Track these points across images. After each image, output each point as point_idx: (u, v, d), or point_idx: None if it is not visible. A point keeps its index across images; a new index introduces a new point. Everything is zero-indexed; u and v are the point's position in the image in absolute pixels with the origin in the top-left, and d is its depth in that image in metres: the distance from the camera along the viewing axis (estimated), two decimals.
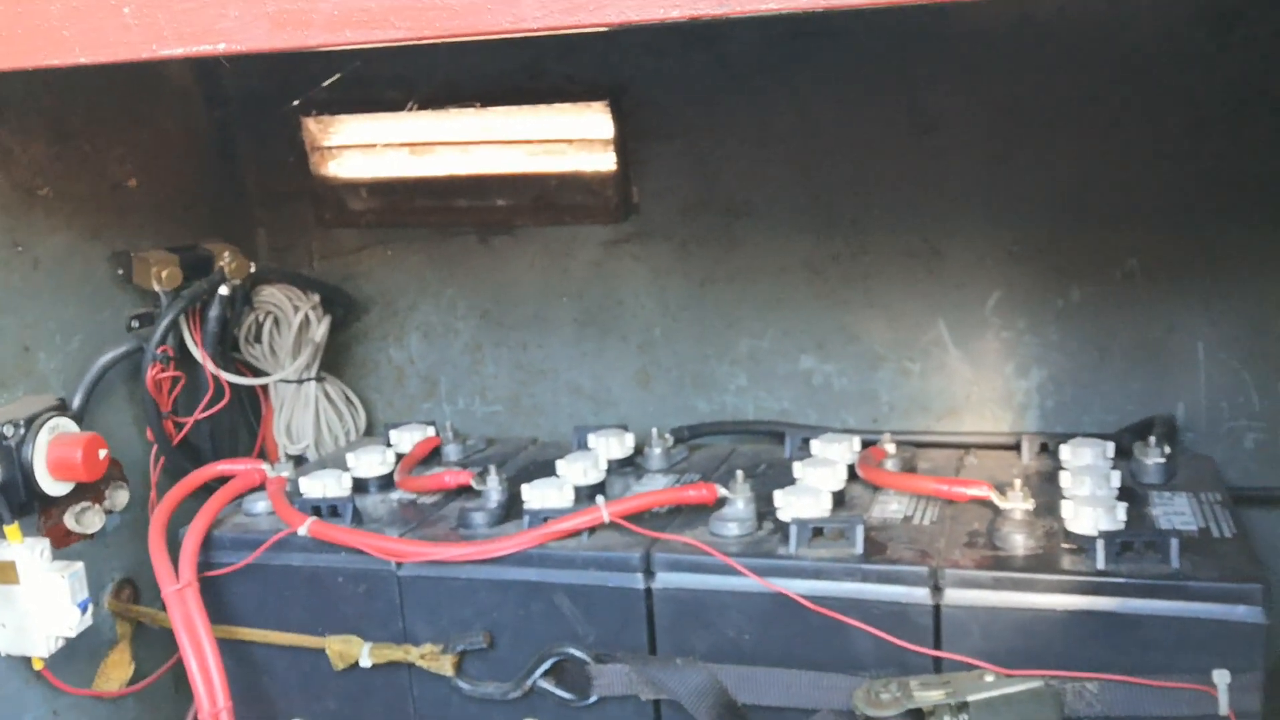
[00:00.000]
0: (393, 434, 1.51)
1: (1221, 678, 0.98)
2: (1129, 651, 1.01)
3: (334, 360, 1.66)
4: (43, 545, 1.21)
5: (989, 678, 1.02)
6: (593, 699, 1.15)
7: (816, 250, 1.49)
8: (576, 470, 1.28)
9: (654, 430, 1.41)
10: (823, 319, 1.51)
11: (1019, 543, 1.09)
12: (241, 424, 1.58)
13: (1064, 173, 1.37)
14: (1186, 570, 1.02)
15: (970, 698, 1.01)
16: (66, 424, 1.25)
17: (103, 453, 1.25)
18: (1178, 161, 1.33)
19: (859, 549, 1.09)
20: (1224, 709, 0.98)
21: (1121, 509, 1.09)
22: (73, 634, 1.22)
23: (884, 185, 1.44)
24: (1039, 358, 1.44)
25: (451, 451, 1.48)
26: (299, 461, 1.55)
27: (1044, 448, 1.37)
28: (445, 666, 1.19)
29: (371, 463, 1.38)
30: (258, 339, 1.54)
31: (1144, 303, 1.38)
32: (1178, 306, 1.37)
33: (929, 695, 1.02)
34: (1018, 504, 1.11)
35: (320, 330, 1.55)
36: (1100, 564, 1.03)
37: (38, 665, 1.24)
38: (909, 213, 1.44)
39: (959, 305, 1.46)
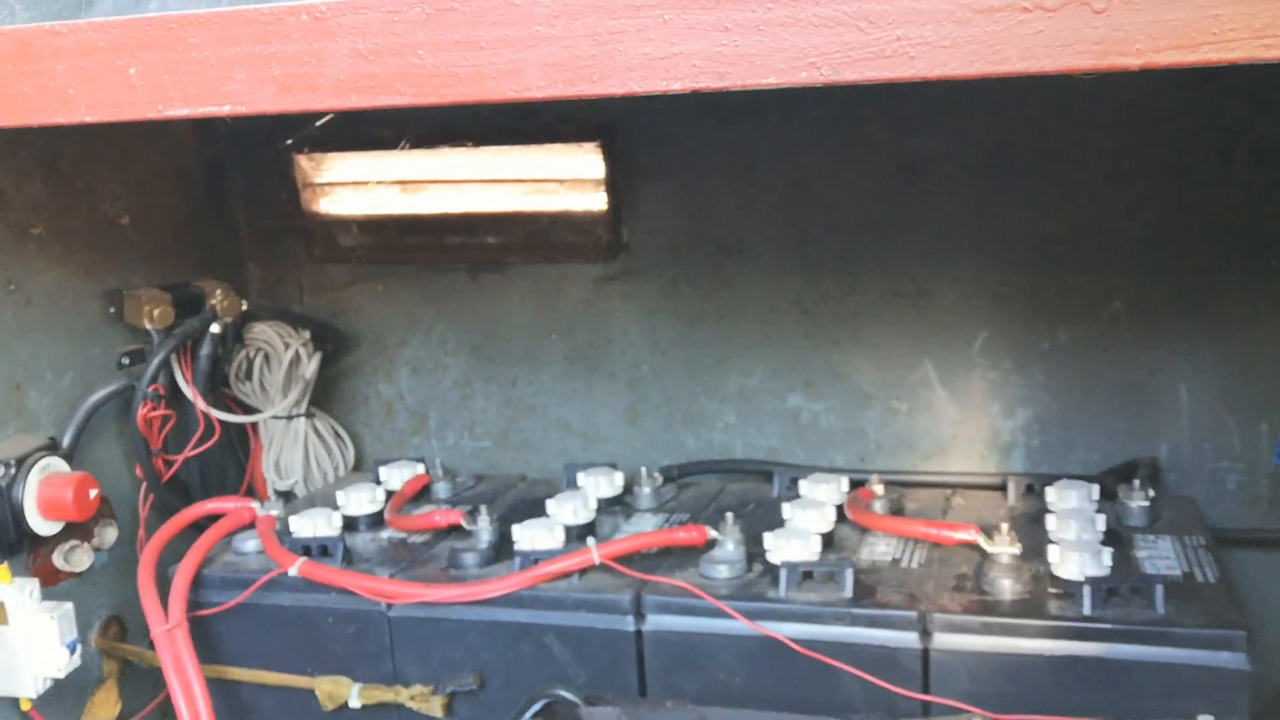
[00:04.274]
0: (382, 471, 1.51)
1: None
2: (1115, 696, 1.02)
3: (323, 395, 1.67)
4: (32, 585, 1.21)
5: None
6: None
7: (805, 290, 1.51)
8: (566, 510, 1.29)
9: (643, 470, 1.42)
10: (811, 358, 1.52)
11: (1006, 587, 1.10)
12: (231, 460, 1.58)
13: (1050, 217, 1.39)
14: (1171, 616, 1.03)
15: None
16: (57, 463, 1.25)
17: (93, 492, 1.24)
18: (1163, 208, 1.35)
19: (848, 593, 1.10)
20: None
21: (1107, 554, 1.11)
22: (61, 675, 1.21)
23: (872, 227, 1.46)
24: (1025, 398, 1.46)
25: (441, 489, 1.49)
26: (288, 497, 1.55)
27: (1029, 489, 1.38)
28: (435, 708, 1.19)
29: (361, 500, 1.38)
30: (248, 376, 1.54)
31: (1128, 345, 1.40)
32: (1161, 349, 1.39)
33: None
34: (1005, 548, 1.13)
35: (311, 367, 1.55)
36: (1087, 610, 1.04)
37: (25, 706, 1.23)
38: (897, 254, 1.46)
39: (946, 346, 1.47)
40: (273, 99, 0.65)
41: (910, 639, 1.07)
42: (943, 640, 1.06)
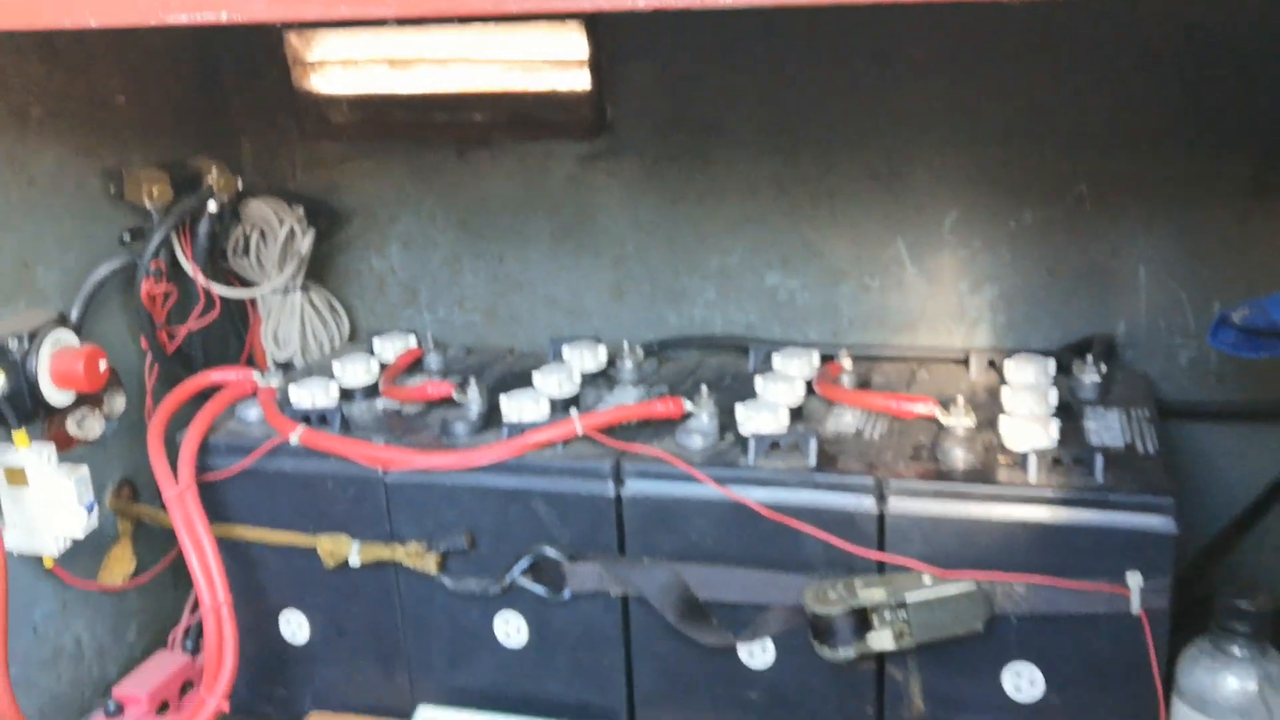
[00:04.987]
0: (376, 343, 1.57)
1: (1135, 580, 1.07)
2: (1054, 557, 1.10)
3: (317, 269, 1.72)
4: (49, 451, 1.28)
5: (927, 579, 1.12)
6: (566, 595, 1.25)
7: (784, 170, 1.55)
8: (551, 383, 1.36)
9: (625, 344, 1.49)
10: (789, 236, 1.58)
11: (959, 457, 1.17)
12: (231, 333, 1.64)
13: (1018, 103, 1.43)
14: (1109, 484, 1.11)
15: (909, 597, 1.11)
16: (68, 336, 1.31)
17: (103, 364, 1.31)
18: (1127, 96, 1.39)
19: (812, 461, 1.18)
20: (1135, 608, 1.08)
21: (1055, 426, 1.18)
22: (81, 535, 1.30)
23: (849, 110, 1.50)
24: (992, 276, 1.52)
25: (433, 361, 1.55)
26: (287, 368, 1.62)
27: (991, 363, 1.45)
28: (429, 565, 1.28)
29: (357, 372, 1.45)
30: (245, 251, 1.59)
31: (1091, 226, 1.45)
32: (1122, 231, 1.45)
33: (872, 594, 1.12)
34: (960, 421, 1.20)
35: (305, 242, 1.60)
36: (1032, 478, 1.12)
37: (48, 564, 1.32)
38: (873, 136, 1.50)
39: (917, 225, 1.52)
40: (265, 9, 0.69)
41: (868, 504, 1.15)
42: (897, 505, 1.14)
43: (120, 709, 1.35)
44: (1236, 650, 1.02)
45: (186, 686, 1.43)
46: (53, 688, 1.39)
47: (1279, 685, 1.01)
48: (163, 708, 1.39)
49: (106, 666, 1.47)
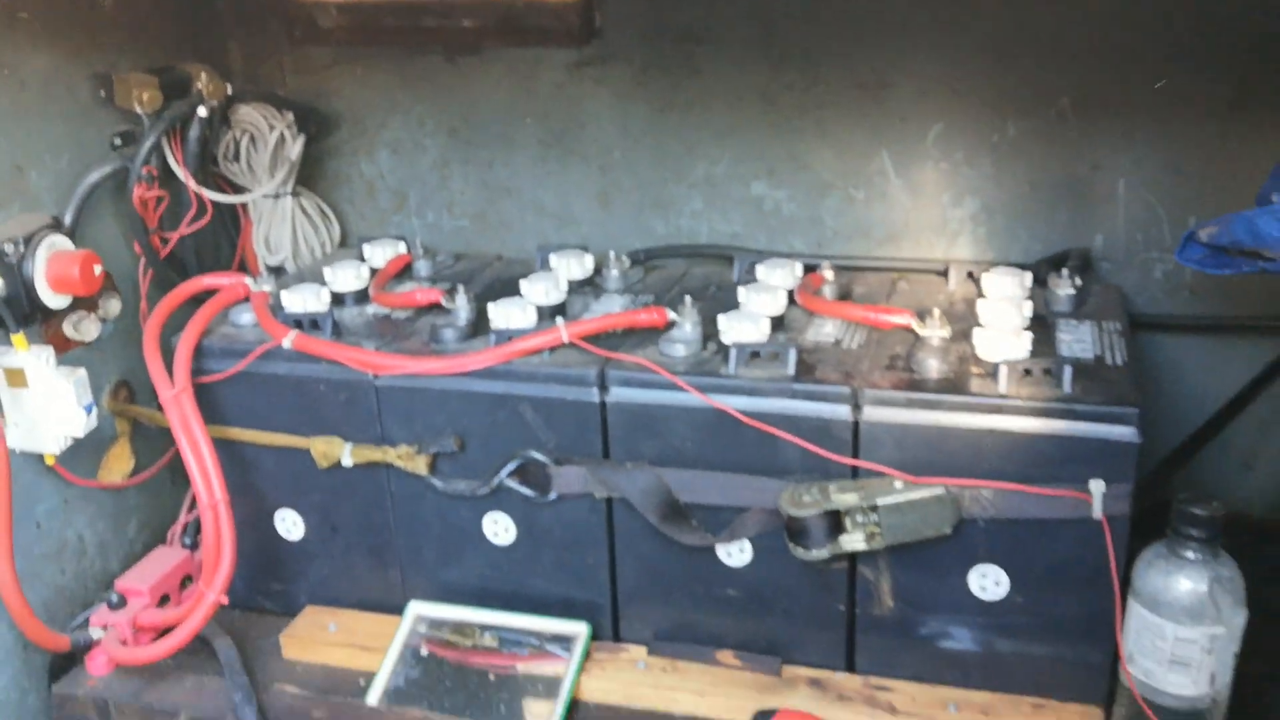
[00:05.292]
0: (366, 248, 1.60)
1: (1097, 487, 1.12)
2: (1021, 464, 1.15)
3: (308, 174, 1.73)
4: (47, 353, 1.31)
5: (898, 484, 1.16)
6: (553, 496, 1.29)
7: (771, 80, 1.56)
8: (539, 291, 1.38)
9: (611, 253, 1.51)
10: (775, 147, 1.59)
11: (933, 367, 1.21)
12: (223, 238, 1.66)
13: (1004, 17, 1.43)
14: (1076, 395, 1.14)
15: (880, 501, 1.16)
16: (62, 241, 1.33)
17: (98, 269, 1.33)
18: (1112, 11, 1.40)
19: (791, 371, 1.22)
20: (1097, 514, 1.12)
21: (1027, 338, 1.22)
22: (81, 434, 1.34)
23: (836, 20, 1.50)
24: (974, 189, 1.54)
25: (422, 267, 1.58)
26: (278, 273, 1.64)
27: (970, 275, 1.48)
28: (420, 466, 1.33)
29: (348, 277, 1.47)
30: (236, 157, 1.60)
31: (1073, 141, 1.47)
32: (1103, 145, 1.46)
33: (845, 498, 1.16)
34: (935, 332, 1.24)
35: (295, 148, 1.61)
36: (1002, 388, 1.16)
37: (49, 461, 1.36)
38: (860, 47, 1.51)
39: (902, 137, 1.54)
40: None
41: (843, 412, 1.19)
42: (872, 414, 1.18)
43: (123, 601, 1.40)
44: (1190, 554, 1.07)
45: (186, 580, 1.48)
46: (57, 580, 1.44)
47: (1228, 586, 1.06)
48: (164, 600, 1.44)
49: (108, 561, 1.52)
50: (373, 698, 1.33)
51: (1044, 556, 1.17)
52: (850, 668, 1.30)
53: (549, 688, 1.31)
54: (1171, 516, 1.08)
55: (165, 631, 1.38)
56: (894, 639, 1.26)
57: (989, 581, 1.20)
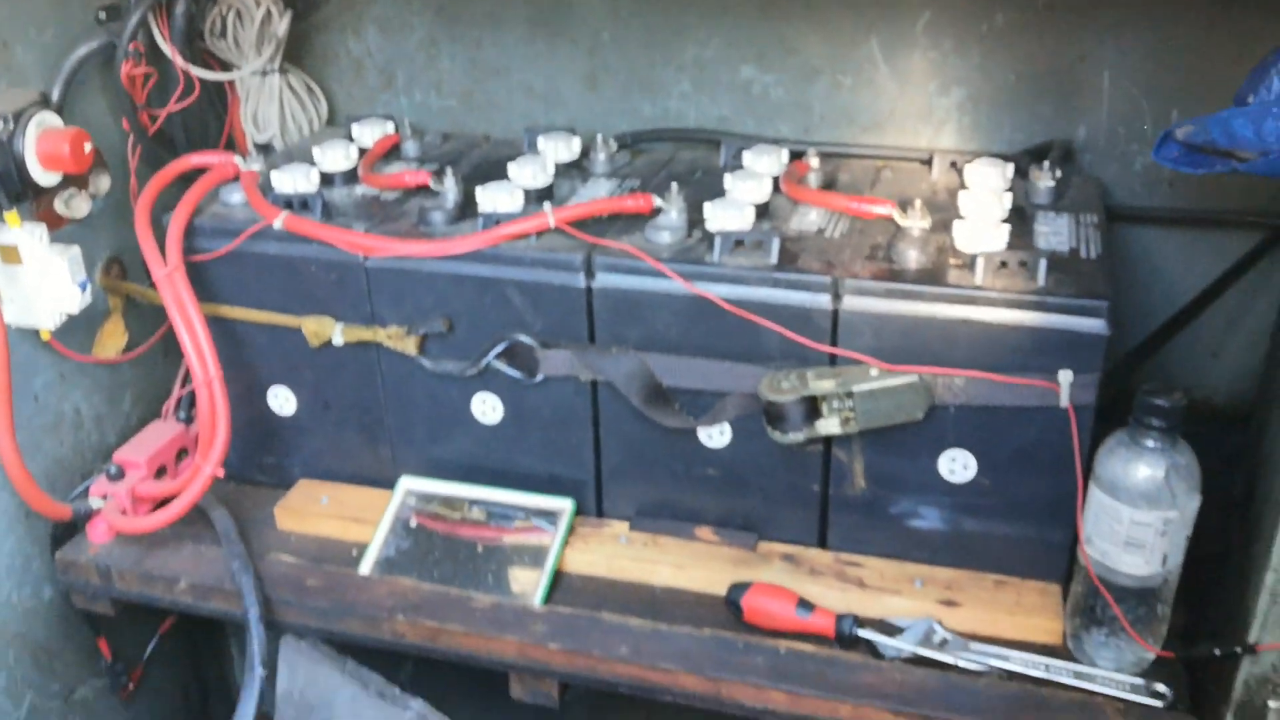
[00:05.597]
0: (354, 128, 1.59)
1: (1065, 378, 1.16)
2: (993, 353, 1.18)
3: (295, 51, 1.72)
4: (40, 230, 1.32)
5: (874, 372, 1.20)
6: (539, 378, 1.33)
7: None
8: (526, 174, 1.40)
9: (599, 136, 1.52)
10: (764, 31, 1.58)
11: (912, 258, 1.23)
12: (211, 115, 1.65)
13: None
14: (1050, 287, 1.18)
15: (856, 387, 1.20)
16: (51, 118, 1.32)
17: (88, 146, 1.33)
18: None
19: (773, 259, 1.24)
20: (1064, 403, 1.17)
21: (1005, 230, 1.24)
22: (76, 311, 1.36)
23: None
24: (961, 78, 1.54)
25: (410, 148, 1.58)
26: (266, 151, 1.64)
27: (953, 165, 1.50)
28: (409, 346, 1.36)
29: (336, 158, 1.48)
30: (223, 33, 1.59)
31: (1060, 32, 1.47)
32: (1090, 37, 1.46)
33: (822, 385, 1.20)
34: (915, 223, 1.26)
35: (282, 25, 1.60)
36: (978, 280, 1.19)
37: (45, 336, 1.38)
38: None
39: (891, 24, 1.53)
40: None
41: (823, 301, 1.21)
42: (851, 303, 1.21)
43: (121, 473, 1.44)
44: (1150, 443, 1.11)
45: (181, 454, 1.53)
46: (56, 452, 1.48)
47: (1184, 473, 1.11)
48: (160, 472, 1.49)
49: (105, 433, 1.56)
50: (365, 567, 1.39)
51: (1011, 442, 1.22)
52: (822, 544, 1.36)
53: (535, 559, 1.36)
54: (1134, 406, 1.12)
55: (163, 502, 1.42)
56: (865, 518, 1.32)
57: (957, 465, 1.25)
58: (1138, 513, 1.12)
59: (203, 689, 1.85)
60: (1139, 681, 1.18)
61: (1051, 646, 1.24)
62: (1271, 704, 1.09)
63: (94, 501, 1.43)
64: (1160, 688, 1.17)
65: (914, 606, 1.28)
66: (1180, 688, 1.18)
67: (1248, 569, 1.14)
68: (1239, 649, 1.10)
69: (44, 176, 1.33)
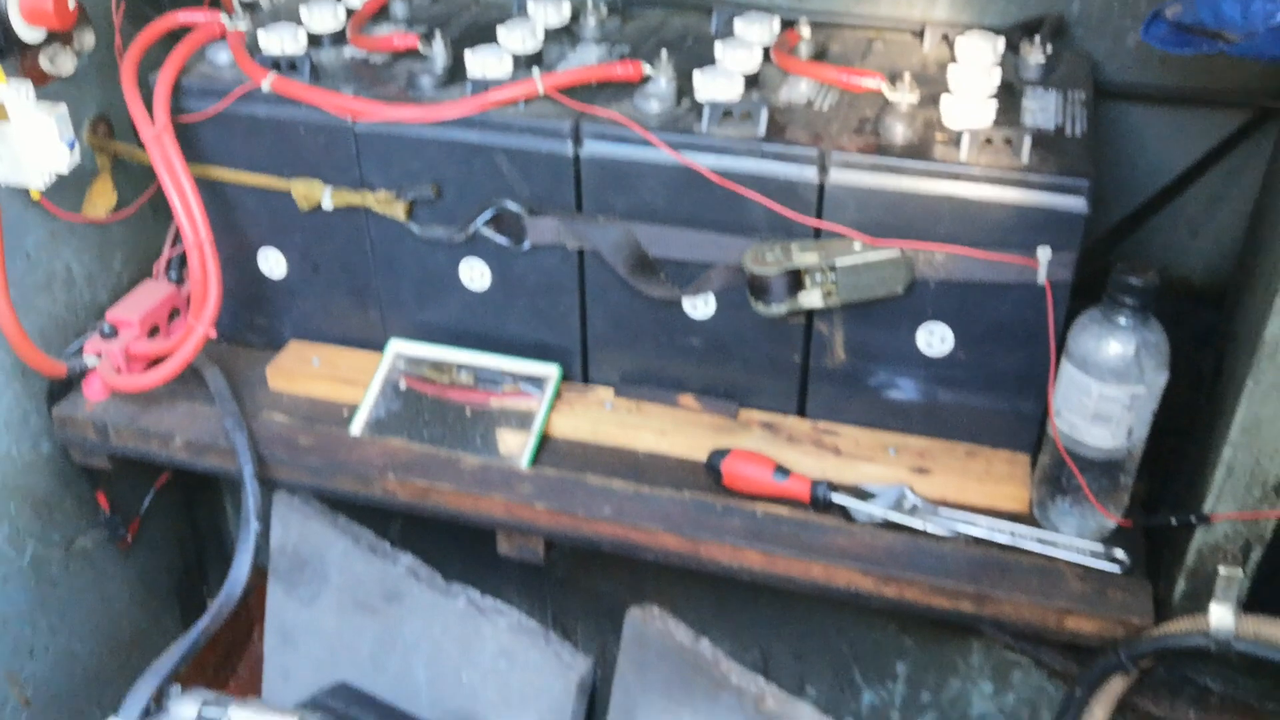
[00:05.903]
0: None
1: (1044, 255, 1.18)
2: (975, 228, 1.20)
3: None
4: (26, 87, 1.31)
5: (857, 246, 1.22)
6: (526, 246, 1.34)
7: None
8: (515, 39, 1.38)
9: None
10: None
11: (899, 132, 1.24)
12: None
13: None
14: (1032, 164, 1.19)
15: (839, 261, 1.22)
16: None
17: (72, 1, 1.32)
18: None
19: (761, 131, 1.24)
20: (1041, 279, 1.19)
21: (992, 107, 1.24)
22: (65, 170, 1.35)
23: None
24: None
25: (399, 8, 1.56)
26: (252, 8, 1.62)
27: (944, 37, 1.48)
28: (398, 211, 1.37)
29: (324, 18, 1.45)
30: None
31: None
32: None
33: (806, 257, 1.22)
34: (904, 97, 1.26)
35: None
36: (962, 156, 1.20)
37: (35, 196, 1.39)
38: None
39: None
40: None
41: (810, 174, 1.22)
42: (837, 176, 1.22)
43: (114, 331, 1.46)
44: (1122, 320, 1.14)
45: (174, 314, 1.55)
46: (50, 309, 1.50)
47: (1153, 350, 1.14)
48: (153, 332, 1.51)
49: (97, 292, 1.58)
50: (356, 427, 1.42)
51: (988, 316, 1.25)
52: (801, 413, 1.40)
53: (521, 422, 1.40)
54: (1108, 284, 1.15)
55: (156, 361, 1.45)
56: (843, 388, 1.35)
57: (935, 338, 1.28)
58: (1106, 387, 1.15)
59: (199, 541, 1.91)
60: (1099, 548, 1.23)
61: (1018, 514, 1.29)
62: (1221, 569, 1.15)
63: (88, 359, 1.46)
64: (1119, 553, 1.22)
65: (887, 473, 1.32)
66: (1138, 554, 1.23)
67: (1208, 443, 1.18)
68: (1194, 518, 1.15)
69: (28, 32, 1.32)
